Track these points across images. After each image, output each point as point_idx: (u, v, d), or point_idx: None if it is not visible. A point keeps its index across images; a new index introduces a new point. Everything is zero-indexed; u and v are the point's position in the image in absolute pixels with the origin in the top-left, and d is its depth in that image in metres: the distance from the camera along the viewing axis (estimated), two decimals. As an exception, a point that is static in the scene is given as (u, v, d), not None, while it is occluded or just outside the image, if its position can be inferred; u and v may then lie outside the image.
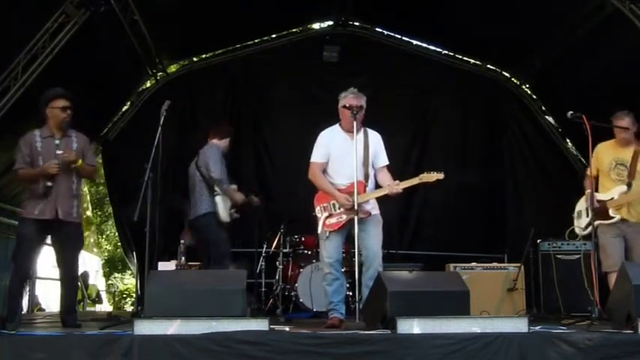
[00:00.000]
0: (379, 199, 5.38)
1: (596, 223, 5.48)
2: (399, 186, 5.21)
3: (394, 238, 8.51)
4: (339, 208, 5.24)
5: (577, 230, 5.98)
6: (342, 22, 9.66)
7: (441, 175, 5.26)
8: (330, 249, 5.29)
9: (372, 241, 5.19)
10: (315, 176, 5.37)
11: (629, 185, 5.59)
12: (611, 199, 5.61)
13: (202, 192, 6.37)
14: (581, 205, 5.95)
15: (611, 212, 5.58)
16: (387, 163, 5.46)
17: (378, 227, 5.31)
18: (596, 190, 5.69)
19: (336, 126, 5.45)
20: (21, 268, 4.85)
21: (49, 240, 5.40)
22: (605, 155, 5.72)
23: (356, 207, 5.00)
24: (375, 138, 5.46)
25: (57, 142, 5.18)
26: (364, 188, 5.25)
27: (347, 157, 5.23)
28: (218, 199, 6.29)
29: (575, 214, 6.00)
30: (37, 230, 5.08)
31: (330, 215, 5.28)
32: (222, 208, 6.31)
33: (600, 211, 5.55)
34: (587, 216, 5.73)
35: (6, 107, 6.71)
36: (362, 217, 5.09)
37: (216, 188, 6.29)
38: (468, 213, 9.44)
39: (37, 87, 5.95)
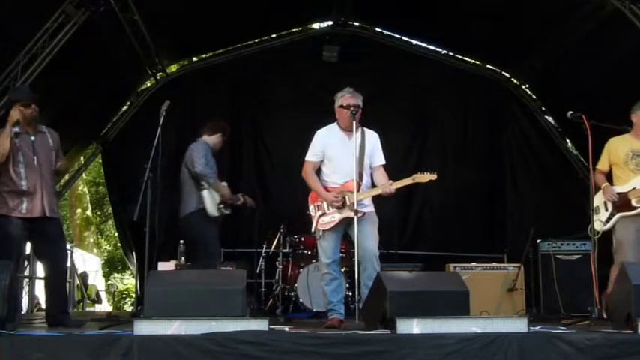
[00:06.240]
0: (378, 199, 5.38)
1: (618, 215, 5.52)
2: (393, 186, 5.21)
3: (394, 238, 8.51)
4: (332, 207, 5.25)
5: (597, 226, 5.65)
6: (342, 22, 9.66)
7: (433, 176, 5.26)
8: (327, 249, 5.29)
9: (367, 240, 5.16)
10: (307, 175, 5.39)
11: None
12: (633, 189, 5.54)
13: (190, 189, 6.29)
14: (598, 200, 5.76)
15: (634, 202, 5.50)
16: (384, 162, 5.45)
17: (374, 226, 5.30)
18: (611, 184, 5.67)
19: (334, 125, 5.45)
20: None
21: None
22: (620, 148, 5.66)
23: (356, 206, 5.01)
24: (373, 138, 5.46)
25: (32, 138, 5.14)
26: (358, 188, 5.21)
27: (343, 156, 5.25)
28: (205, 193, 6.19)
29: (593, 210, 5.75)
30: (23, 229, 5.02)
31: (324, 214, 5.29)
32: (210, 202, 6.20)
33: (621, 203, 5.52)
34: (607, 210, 5.65)
35: (6, 107, 6.71)
36: (352, 217, 5.04)
37: (203, 183, 6.25)
38: (467, 213, 9.45)
39: (37, 87, 5.94)
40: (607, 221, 5.62)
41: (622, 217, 5.54)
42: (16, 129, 4.98)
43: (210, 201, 6.21)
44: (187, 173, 6.32)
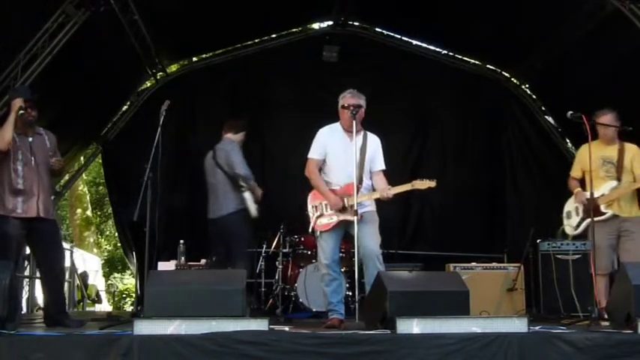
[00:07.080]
0: (378, 200, 5.36)
1: (589, 220, 5.50)
2: (391, 191, 5.19)
3: (394, 238, 8.50)
4: (331, 209, 5.24)
5: (568, 230, 6.02)
6: (342, 22, 9.66)
7: (432, 183, 5.23)
8: (325, 249, 5.28)
9: (367, 239, 5.13)
10: (312, 173, 5.37)
11: (619, 180, 5.62)
12: (602, 195, 5.63)
13: (227, 189, 6.30)
14: (570, 205, 5.98)
15: (602, 208, 5.59)
16: (384, 168, 5.42)
17: (374, 225, 5.27)
18: (584, 190, 5.76)
19: (337, 124, 5.43)
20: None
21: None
22: (591, 154, 5.64)
23: (355, 207, 5.00)
24: (375, 142, 5.44)
25: (30, 139, 5.15)
26: (357, 190, 5.17)
27: (342, 156, 5.24)
28: (247, 194, 6.23)
29: (565, 214, 6.01)
30: (21, 228, 5.02)
31: (321, 215, 5.28)
32: (252, 203, 6.26)
33: (591, 208, 5.52)
34: (578, 215, 5.77)
35: (6, 107, 6.71)
36: (351, 219, 5.05)
37: (242, 184, 6.24)
38: (467, 213, 9.45)
39: (37, 87, 5.94)
40: (577, 226, 5.76)
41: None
42: (22, 112, 5.00)
43: (252, 202, 6.27)
44: (222, 174, 6.32)
